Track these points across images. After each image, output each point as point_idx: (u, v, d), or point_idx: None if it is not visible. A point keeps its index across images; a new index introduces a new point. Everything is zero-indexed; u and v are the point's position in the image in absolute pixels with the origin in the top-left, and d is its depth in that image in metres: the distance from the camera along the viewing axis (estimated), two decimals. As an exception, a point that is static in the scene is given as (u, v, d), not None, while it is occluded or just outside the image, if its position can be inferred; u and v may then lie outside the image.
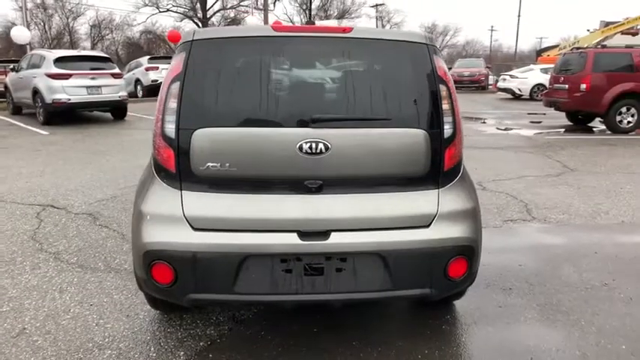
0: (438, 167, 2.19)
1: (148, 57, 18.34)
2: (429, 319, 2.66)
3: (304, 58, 2.15)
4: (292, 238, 2.05)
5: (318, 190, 2.09)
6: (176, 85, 2.08)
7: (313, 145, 2.03)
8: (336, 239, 2.06)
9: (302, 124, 2.05)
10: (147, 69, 17.12)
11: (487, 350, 2.41)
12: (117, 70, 11.01)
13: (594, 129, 10.35)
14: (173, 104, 2.09)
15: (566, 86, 9.58)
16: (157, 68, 17.04)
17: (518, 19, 34.71)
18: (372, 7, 49.81)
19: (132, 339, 2.47)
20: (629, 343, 2.44)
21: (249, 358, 2.32)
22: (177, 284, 2.08)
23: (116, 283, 3.05)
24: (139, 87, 17.42)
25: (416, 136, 2.13)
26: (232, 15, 41.89)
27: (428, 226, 2.14)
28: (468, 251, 2.18)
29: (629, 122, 9.23)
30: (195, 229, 2.06)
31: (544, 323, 2.63)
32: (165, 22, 53.90)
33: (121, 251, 3.55)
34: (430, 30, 67.29)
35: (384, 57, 2.16)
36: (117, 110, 11.09)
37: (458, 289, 2.33)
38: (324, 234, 2.06)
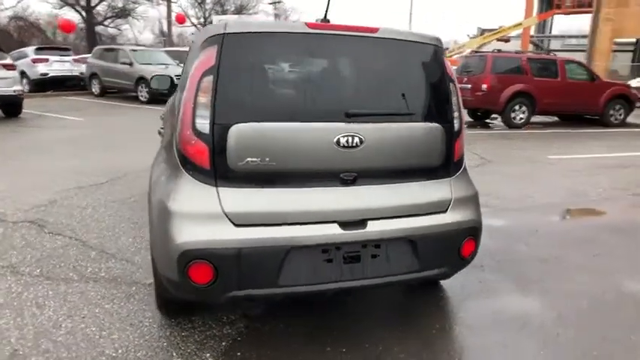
0: (450, 158, 2.41)
1: (35, 47, 16.42)
2: (427, 299, 2.90)
3: (337, 55, 2.22)
4: (334, 229, 2.12)
5: (352, 181, 2.19)
6: (208, 79, 2.03)
7: (349, 138, 2.13)
8: (372, 227, 2.18)
9: (339, 118, 2.13)
10: (34, 61, 15.29)
11: (484, 320, 2.70)
12: (9, 61, 9.76)
13: (490, 124, 11.63)
14: (205, 99, 2.04)
15: (470, 86, 10.63)
16: (47, 60, 15.33)
17: (410, 23, 37.22)
18: (270, 4, 49.95)
19: (147, 347, 2.34)
20: (589, 300, 2.91)
21: (277, 351, 2.34)
22: (218, 283, 2.03)
23: (101, 293, 2.83)
24: (24, 81, 15.50)
25: (434, 129, 2.33)
26: (120, 5, 38.99)
27: (445, 211, 2.35)
28: (475, 232, 2.44)
29: (521, 118, 10.53)
30: (237, 225, 2.03)
31: (521, 292, 3.01)
32: (40, 9, 48.24)
33: (89, 259, 3.27)
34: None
35: (405, 56, 2.32)
36: (11, 106, 9.82)
37: (465, 267, 2.58)
38: (362, 223, 2.17)
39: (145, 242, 3.58)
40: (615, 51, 23.67)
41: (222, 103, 2.03)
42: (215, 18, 33.61)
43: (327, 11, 2.36)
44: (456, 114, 2.42)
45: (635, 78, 17.78)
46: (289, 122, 2.10)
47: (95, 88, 14.63)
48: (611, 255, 3.62)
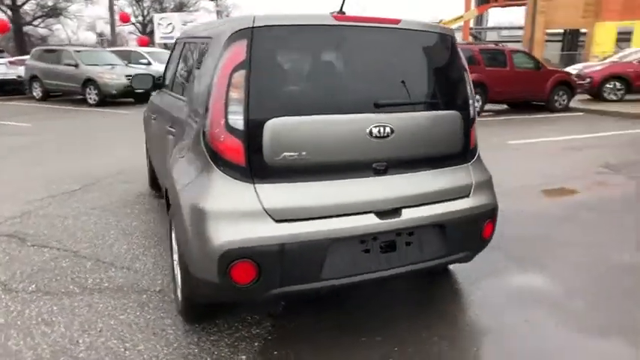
0: (468, 144, 2.49)
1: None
2: (440, 284, 2.98)
3: (362, 46, 2.22)
4: (371, 219, 2.13)
5: (384, 171, 2.20)
6: (240, 74, 1.98)
7: (381, 129, 2.14)
8: (406, 215, 2.21)
9: (369, 109, 2.14)
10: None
11: (499, 298, 2.81)
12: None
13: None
14: (237, 94, 1.98)
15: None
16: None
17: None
18: (212, 0, 48.87)
19: (179, 355, 2.24)
20: (583, 274, 3.11)
21: (313, 345, 2.33)
22: (261, 281, 1.99)
23: (111, 304, 2.68)
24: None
25: (454, 117, 2.39)
26: (50, 3, 36.60)
27: (468, 195, 2.42)
28: (494, 213, 2.53)
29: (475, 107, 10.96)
30: (278, 221, 2.00)
31: (526, 271, 3.16)
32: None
33: (86, 270, 3.08)
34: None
35: (425, 46, 2.36)
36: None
37: (484, 248, 2.66)
38: (395, 211, 2.19)
39: (141, 248, 3.42)
40: (546, 41, 25.25)
41: (256, 97, 1.98)
42: (156, 16, 32.42)
43: (343, 4, 2.36)
44: (470, 101, 2.49)
45: (568, 66, 19.02)
46: (323, 115, 2.08)
47: (37, 92, 13.67)
48: (594, 229, 3.88)
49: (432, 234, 2.29)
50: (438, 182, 2.34)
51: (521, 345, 2.38)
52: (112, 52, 14.77)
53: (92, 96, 12.44)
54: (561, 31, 27.96)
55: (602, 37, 23.22)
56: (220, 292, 2.06)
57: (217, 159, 2.04)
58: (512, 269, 3.18)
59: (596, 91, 12.94)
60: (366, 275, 2.16)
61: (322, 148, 2.08)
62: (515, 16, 28.93)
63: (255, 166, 2.01)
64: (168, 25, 29.74)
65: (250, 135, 1.99)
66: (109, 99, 12.55)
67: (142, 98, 12.99)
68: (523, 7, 25.14)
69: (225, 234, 1.95)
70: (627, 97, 12.66)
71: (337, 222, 2.07)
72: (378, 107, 2.16)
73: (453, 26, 27.75)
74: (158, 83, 3.91)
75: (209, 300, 2.25)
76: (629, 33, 22.96)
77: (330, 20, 2.12)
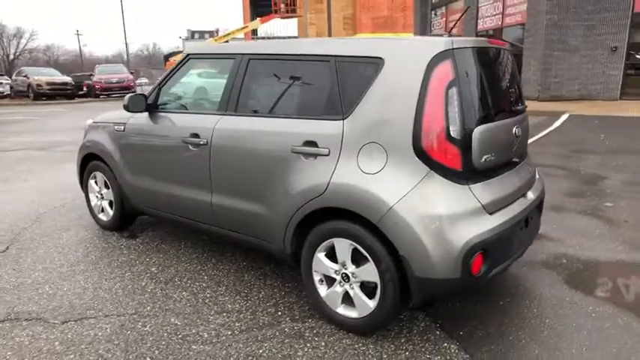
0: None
1: None
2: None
3: (500, 62, 2.71)
4: (525, 202, 2.66)
5: (517, 163, 2.76)
6: (453, 91, 2.26)
7: (519, 129, 2.69)
8: (530, 197, 2.79)
9: (512, 113, 2.68)
10: None
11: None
12: None
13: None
14: (453, 108, 2.25)
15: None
16: None
17: (124, 24, 35.19)
18: None
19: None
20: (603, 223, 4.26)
21: (475, 317, 2.67)
22: (487, 267, 2.31)
23: (265, 346, 2.44)
24: None
25: (527, 115, 3.09)
26: None
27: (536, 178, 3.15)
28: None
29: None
30: (490, 214, 2.34)
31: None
32: None
33: (179, 326, 2.63)
34: (-1, 32, 58.62)
35: (513, 60, 2.97)
36: None
37: None
38: (526, 195, 2.76)
39: (207, 290, 3.05)
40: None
41: (467, 110, 2.29)
42: None
43: (453, 26, 2.78)
44: (523, 104, 3.23)
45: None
46: (500, 120, 2.51)
47: None
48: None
49: (536, 211, 2.94)
50: (530, 169, 3.00)
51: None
52: None
53: None
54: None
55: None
56: (456, 286, 2.27)
57: (438, 167, 2.25)
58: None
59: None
60: (522, 249, 2.68)
61: (499, 149, 2.51)
62: (283, 25, 31.91)
63: (468, 169, 2.30)
64: None
65: (465, 143, 2.27)
66: None
67: None
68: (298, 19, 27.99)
69: (465, 233, 2.20)
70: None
71: (515, 207, 2.53)
72: (514, 112, 2.70)
73: (238, 35, 28.86)
74: (150, 104, 3.46)
75: (434, 297, 2.48)
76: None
77: (487, 43, 2.56)
